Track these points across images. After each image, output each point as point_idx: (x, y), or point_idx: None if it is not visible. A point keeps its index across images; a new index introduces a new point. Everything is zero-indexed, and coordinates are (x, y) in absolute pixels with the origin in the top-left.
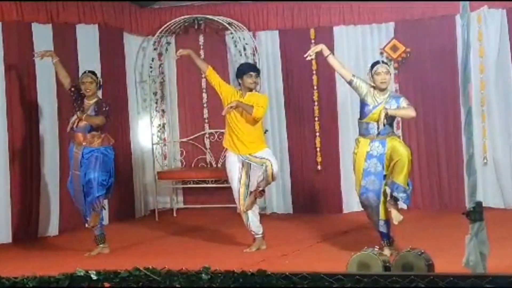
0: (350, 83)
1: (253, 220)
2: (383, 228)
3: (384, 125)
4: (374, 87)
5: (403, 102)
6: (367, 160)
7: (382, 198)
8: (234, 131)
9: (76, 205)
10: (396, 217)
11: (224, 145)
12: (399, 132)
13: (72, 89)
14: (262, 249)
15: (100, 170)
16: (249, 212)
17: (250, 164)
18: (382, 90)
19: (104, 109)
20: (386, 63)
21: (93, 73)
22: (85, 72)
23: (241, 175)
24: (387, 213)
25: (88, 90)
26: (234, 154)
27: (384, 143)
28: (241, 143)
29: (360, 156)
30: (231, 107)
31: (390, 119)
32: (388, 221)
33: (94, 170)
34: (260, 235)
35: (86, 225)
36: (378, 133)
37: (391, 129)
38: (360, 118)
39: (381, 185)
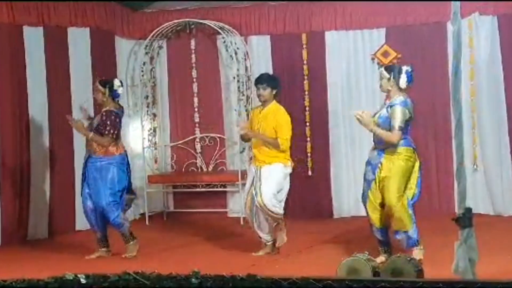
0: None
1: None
2: (377, 235)
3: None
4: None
5: (392, 114)
6: (366, 166)
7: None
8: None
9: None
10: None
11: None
12: None
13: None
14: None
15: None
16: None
17: None
18: (388, 95)
19: (108, 127)
20: (385, 68)
21: (102, 82)
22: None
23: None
24: (380, 222)
25: (96, 99)
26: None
27: (382, 154)
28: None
29: (365, 162)
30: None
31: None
32: (382, 229)
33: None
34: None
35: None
36: (376, 145)
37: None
38: None
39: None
